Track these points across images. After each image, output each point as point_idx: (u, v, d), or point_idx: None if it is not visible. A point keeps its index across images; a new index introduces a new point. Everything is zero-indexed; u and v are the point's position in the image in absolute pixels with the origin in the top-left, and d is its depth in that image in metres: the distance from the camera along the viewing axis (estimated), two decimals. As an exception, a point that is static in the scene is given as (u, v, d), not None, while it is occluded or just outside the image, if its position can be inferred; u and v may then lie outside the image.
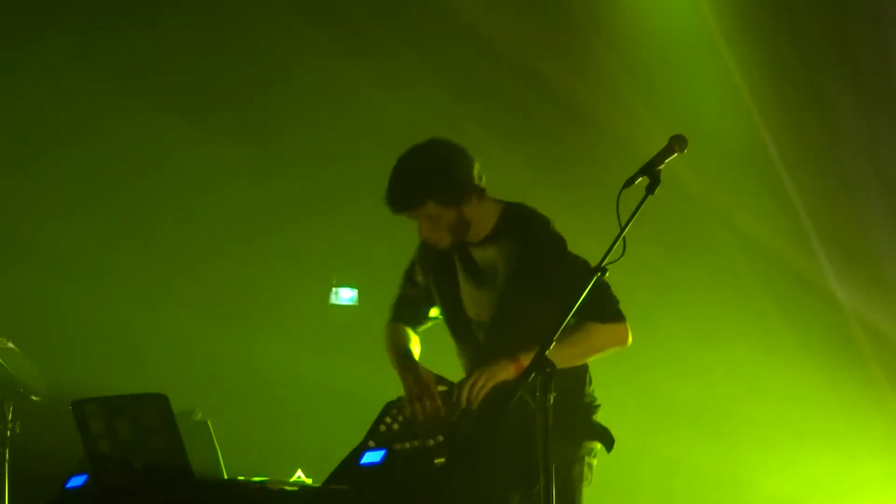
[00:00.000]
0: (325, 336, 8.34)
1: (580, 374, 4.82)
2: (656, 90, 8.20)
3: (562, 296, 4.34)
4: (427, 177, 4.75)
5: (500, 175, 5.12)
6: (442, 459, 4.28)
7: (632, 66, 8.25)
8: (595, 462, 4.81)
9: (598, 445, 4.81)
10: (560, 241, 4.78)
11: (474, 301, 4.87)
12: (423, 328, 5.11)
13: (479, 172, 4.84)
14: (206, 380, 7.89)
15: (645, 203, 4.29)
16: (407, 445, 4.41)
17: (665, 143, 4.36)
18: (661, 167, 4.29)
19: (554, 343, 4.03)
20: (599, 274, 4.15)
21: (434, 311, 5.08)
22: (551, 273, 4.70)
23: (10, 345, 6.34)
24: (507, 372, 4.54)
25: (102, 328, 7.98)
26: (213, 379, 7.98)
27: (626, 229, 4.21)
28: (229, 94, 8.41)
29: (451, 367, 4.88)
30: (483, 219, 4.85)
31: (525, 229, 4.81)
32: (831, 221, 8.27)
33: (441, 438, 4.35)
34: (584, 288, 4.12)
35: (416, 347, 4.98)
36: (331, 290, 8.68)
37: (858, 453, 8.06)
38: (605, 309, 4.65)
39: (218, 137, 8.26)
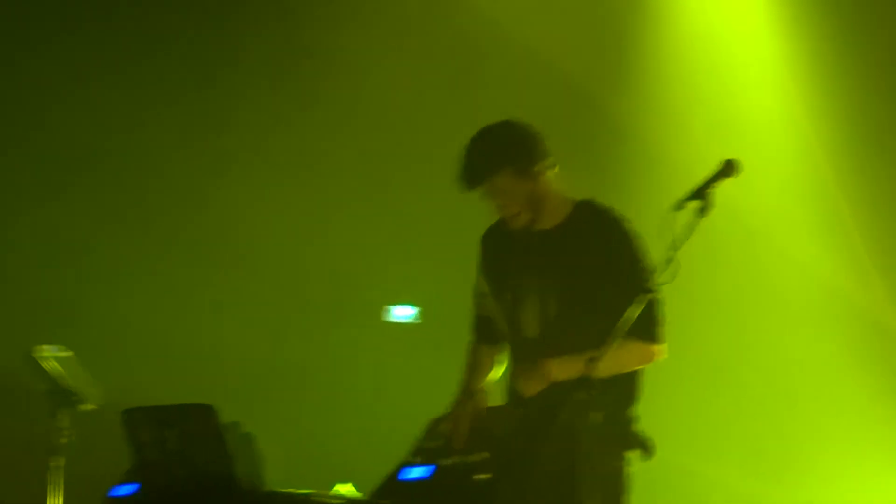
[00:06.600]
0: (377, 350, 8.35)
1: (629, 390, 4.72)
2: (713, 115, 8.18)
3: (614, 305, 4.33)
4: (504, 145, 4.72)
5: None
6: (487, 475, 4.28)
7: (689, 89, 8.24)
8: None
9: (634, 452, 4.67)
10: (631, 243, 4.70)
11: (539, 289, 4.77)
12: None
13: (552, 159, 4.78)
14: (255, 390, 7.93)
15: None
16: (451, 461, 4.42)
17: (718, 166, 4.35)
18: (713, 191, 4.27)
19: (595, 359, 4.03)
20: (647, 296, 4.15)
21: None
22: (612, 277, 4.63)
23: (66, 353, 6.38)
24: (536, 385, 4.57)
25: (154, 336, 8.02)
26: (263, 390, 8.01)
27: (677, 252, 4.20)
28: (270, 91, 8.42)
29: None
30: (556, 205, 4.79)
31: (598, 223, 4.75)
32: (889, 253, 8.23)
33: (486, 455, 4.36)
34: (636, 304, 4.12)
35: (486, 371, 4.89)
36: (384, 306, 8.69)
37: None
38: (645, 327, 4.52)
39: (274, 146, 8.29)
